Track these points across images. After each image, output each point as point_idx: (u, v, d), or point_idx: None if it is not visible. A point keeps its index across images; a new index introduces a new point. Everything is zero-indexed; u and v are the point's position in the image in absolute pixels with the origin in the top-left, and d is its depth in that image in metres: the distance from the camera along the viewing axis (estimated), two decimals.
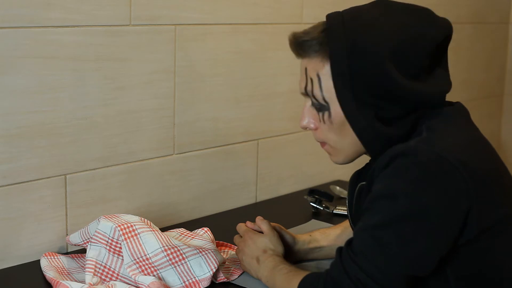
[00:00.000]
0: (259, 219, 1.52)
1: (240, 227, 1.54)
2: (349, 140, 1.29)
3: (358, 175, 1.39)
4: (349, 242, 1.22)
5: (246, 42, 1.96)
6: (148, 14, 1.71)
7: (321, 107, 1.30)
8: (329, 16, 1.30)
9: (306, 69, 1.31)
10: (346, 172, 2.37)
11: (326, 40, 1.26)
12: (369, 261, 1.16)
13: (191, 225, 1.83)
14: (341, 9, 2.23)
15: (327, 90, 1.27)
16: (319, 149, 2.35)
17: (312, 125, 1.33)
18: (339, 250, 1.23)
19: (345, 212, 1.94)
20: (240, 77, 1.96)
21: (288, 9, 2.06)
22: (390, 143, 1.23)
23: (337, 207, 1.96)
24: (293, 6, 2.08)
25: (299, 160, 2.20)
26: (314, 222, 1.88)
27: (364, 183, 1.31)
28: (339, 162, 1.35)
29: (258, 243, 1.47)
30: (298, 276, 1.31)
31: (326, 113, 1.29)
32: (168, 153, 1.82)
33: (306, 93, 1.33)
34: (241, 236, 1.52)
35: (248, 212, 1.99)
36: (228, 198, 1.99)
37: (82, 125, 1.62)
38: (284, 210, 2.03)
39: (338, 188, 2.15)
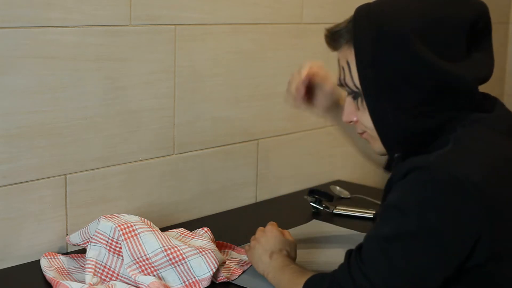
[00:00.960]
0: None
1: (269, 223, 1.55)
2: None
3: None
4: (359, 247, 1.21)
5: (246, 42, 1.96)
6: (148, 14, 1.71)
7: (355, 95, 1.28)
8: (357, 8, 1.29)
9: (338, 60, 1.31)
10: (346, 172, 2.37)
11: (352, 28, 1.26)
12: (374, 271, 1.16)
13: (191, 225, 1.83)
14: (341, 9, 2.22)
15: (357, 76, 1.25)
16: (319, 149, 2.36)
17: (354, 118, 1.31)
18: (349, 253, 1.23)
19: (345, 212, 1.94)
20: (240, 77, 1.96)
21: (288, 9, 2.06)
22: (410, 139, 1.21)
23: (337, 207, 1.96)
24: (293, 6, 2.08)
25: (299, 160, 2.20)
26: (314, 222, 1.88)
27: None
28: (377, 151, 1.32)
29: (279, 240, 1.47)
30: (305, 275, 1.31)
31: (359, 99, 1.27)
32: (168, 153, 1.82)
33: (340, 83, 1.32)
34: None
35: (248, 212, 1.99)
36: (228, 198, 1.99)
37: (82, 125, 1.62)
38: (284, 210, 2.03)
39: (338, 188, 2.15)
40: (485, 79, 1.23)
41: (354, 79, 1.26)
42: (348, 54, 1.26)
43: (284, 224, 1.85)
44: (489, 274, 1.17)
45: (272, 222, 1.56)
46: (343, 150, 2.36)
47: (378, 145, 1.29)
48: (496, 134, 1.21)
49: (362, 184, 2.31)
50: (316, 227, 1.84)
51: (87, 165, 1.64)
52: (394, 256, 1.15)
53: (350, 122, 1.33)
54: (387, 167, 1.63)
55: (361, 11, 1.25)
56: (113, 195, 1.71)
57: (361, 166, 2.47)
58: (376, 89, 1.21)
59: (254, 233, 1.77)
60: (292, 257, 1.46)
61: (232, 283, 1.48)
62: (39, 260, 1.54)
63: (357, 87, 1.26)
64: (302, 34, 2.12)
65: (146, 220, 1.49)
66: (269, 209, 2.03)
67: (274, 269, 1.41)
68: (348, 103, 1.31)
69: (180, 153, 1.84)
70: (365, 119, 1.27)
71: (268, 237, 1.48)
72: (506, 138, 1.21)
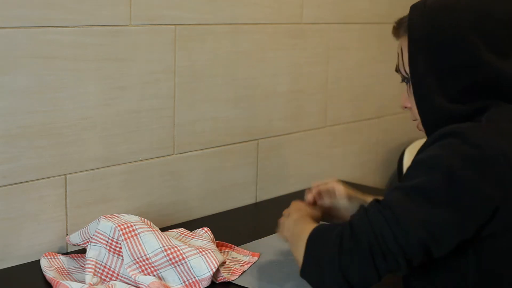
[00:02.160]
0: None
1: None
2: None
3: None
4: (378, 200, 1.22)
5: (246, 42, 1.96)
6: (148, 14, 1.71)
7: (406, 80, 1.33)
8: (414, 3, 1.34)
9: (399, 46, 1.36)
10: (346, 172, 2.37)
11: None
12: (395, 217, 1.15)
13: (191, 225, 1.83)
14: (341, 9, 2.22)
15: (407, 62, 1.30)
16: (319, 149, 2.36)
17: (408, 104, 1.35)
18: (363, 205, 1.24)
19: None
20: (240, 77, 1.96)
21: (288, 9, 2.06)
22: (447, 122, 1.23)
23: None
24: (293, 6, 2.08)
25: (299, 160, 2.20)
26: None
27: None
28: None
29: (299, 205, 1.52)
30: (315, 225, 1.32)
31: (409, 85, 1.32)
32: (168, 153, 1.82)
33: (396, 70, 1.36)
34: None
35: (248, 212, 2.00)
36: (228, 198, 1.99)
37: (82, 125, 1.62)
38: (284, 210, 2.02)
39: None
40: None
41: (405, 65, 1.31)
42: (403, 42, 1.32)
43: None
44: (503, 249, 1.18)
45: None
46: (343, 150, 2.36)
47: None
48: None
49: (362, 184, 2.31)
50: None
51: (87, 165, 1.64)
52: (418, 205, 1.15)
53: (405, 107, 1.37)
54: None
55: (417, 4, 1.31)
56: (113, 195, 1.71)
57: (361, 166, 2.47)
58: (423, 73, 1.26)
59: (254, 233, 1.78)
60: (314, 218, 1.46)
61: (232, 283, 1.48)
62: (39, 260, 1.54)
63: (407, 73, 1.31)
64: (302, 34, 2.12)
65: (146, 220, 1.49)
66: (269, 209, 2.03)
67: (290, 224, 1.42)
68: (404, 90, 1.36)
69: (180, 153, 1.84)
70: (414, 105, 1.31)
71: (291, 205, 1.53)
72: None
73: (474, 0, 1.26)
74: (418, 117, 1.30)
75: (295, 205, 1.53)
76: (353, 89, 2.35)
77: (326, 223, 1.39)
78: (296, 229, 1.37)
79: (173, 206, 1.85)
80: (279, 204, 2.06)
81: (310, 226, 1.31)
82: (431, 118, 1.27)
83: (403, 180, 1.21)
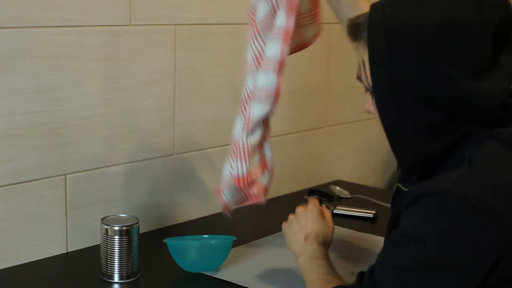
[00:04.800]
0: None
1: (312, 200, 1.52)
2: None
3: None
4: (371, 272, 1.18)
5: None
6: (148, 14, 1.71)
7: (370, 92, 1.22)
8: (372, 5, 1.21)
9: (356, 52, 1.26)
10: (346, 172, 2.37)
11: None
12: None
13: (191, 225, 1.83)
14: None
15: (370, 78, 1.20)
16: (319, 149, 2.36)
17: (372, 110, 1.24)
18: (360, 276, 1.20)
19: (345, 212, 1.94)
20: (240, 77, 1.96)
21: None
22: (425, 159, 1.16)
23: (337, 207, 1.96)
24: None
25: (299, 160, 2.20)
26: None
27: (399, 185, 1.30)
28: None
29: (317, 224, 1.45)
30: (329, 283, 1.29)
31: (374, 99, 1.21)
32: (168, 153, 1.82)
33: (358, 77, 1.28)
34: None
35: (248, 212, 1.99)
36: None
37: (82, 125, 1.62)
38: (284, 210, 2.02)
39: (338, 188, 2.15)
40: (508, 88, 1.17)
41: (368, 79, 1.21)
42: (364, 53, 1.21)
43: None
44: None
45: (314, 199, 1.54)
46: (343, 150, 2.36)
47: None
48: (509, 151, 1.16)
49: (362, 184, 2.31)
50: None
51: (87, 165, 1.64)
52: (412, 286, 1.11)
53: (369, 113, 1.28)
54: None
55: (376, 12, 1.18)
56: (113, 195, 1.71)
57: (361, 166, 2.47)
58: (389, 106, 1.16)
59: (254, 233, 1.78)
60: (327, 244, 1.44)
61: (232, 283, 1.48)
62: (39, 260, 1.54)
63: (370, 86, 1.21)
64: None
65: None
66: (269, 209, 2.03)
67: (305, 257, 1.40)
68: (367, 97, 1.26)
69: (180, 153, 1.84)
70: (380, 120, 1.21)
71: (308, 218, 1.46)
72: None
73: (437, 10, 1.12)
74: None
75: (310, 218, 1.46)
76: (353, 89, 2.35)
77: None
78: (310, 276, 1.36)
79: (173, 206, 1.85)
80: (279, 204, 2.07)
81: (325, 285, 1.30)
82: (406, 157, 1.19)
83: (392, 251, 1.15)
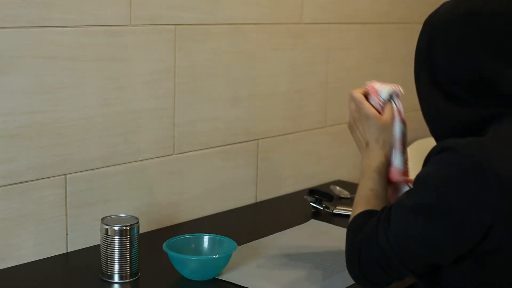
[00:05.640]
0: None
1: (356, 96, 1.53)
2: None
3: None
4: (390, 208, 1.27)
5: (246, 42, 1.96)
6: (148, 14, 1.71)
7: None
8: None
9: None
10: (346, 172, 2.37)
11: None
12: (396, 236, 1.23)
13: (191, 225, 1.83)
14: (341, 9, 2.22)
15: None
16: (319, 149, 2.36)
17: None
18: (382, 210, 1.30)
19: (345, 212, 1.94)
20: (240, 77, 1.96)
21: (288, 9, 2.06)
22: (454, 128, 1.24)
23: (337, 207, 1.96)
24: (293, 6, 2.08)
25: (299, 160, 2.20)
26: (313, 222, 1.88)
27: None
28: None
29: (376, 130, 1.47)
30: (367, 203, 1.40)
31: None
32: (168, 153, 1.82)
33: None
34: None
35: (248, 212, 2.00)
36: (228, 198, 1.99)
37: (82, 125, 1.62)
38: (284, 210, 2.03)
39: (338, 188, 2.15)
40: None
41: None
42: None
43: (284, 224, 1.85)
44: (499, 261, 1.18)
45: (360, 95, 1.52)
46: (343, 150, 2.36)
47: None
48: None
49: None
50: (316, 227, 1.84)
51: (87, 165, 1.64)
52: (413, 226, 1.20)
53: None
54: None
55: (435, 11, 1.32)
56: (113, 195, 1.71)
57: (361, 166, 2.47)
58: (426, 81, 1.28)
59: (254, 233, 1.78)
60: (386, 147, 1.47)
61: (232, 283, 1.48)
62: (39, 260, 1.54)
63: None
64: (302, 34, 2.12)
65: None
66: (269, 209, 2.03)
67: (362, 165, 1.48)
68: None
69: (180, 153, 1.84)
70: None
71: (365, 126, 1.48)
72: None
73: (479, 14, 1.22)
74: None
75: (368, 125, 1.49)
76: (353, 89, 2.35)
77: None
78: (359, 186, 1.45)
79: (173, 206, 1.85)
80: (279, 204, 2.07)
81: (359, 205, 1.41)
82: (436, 123, 1.29)
83: (408, 192, 1.25)
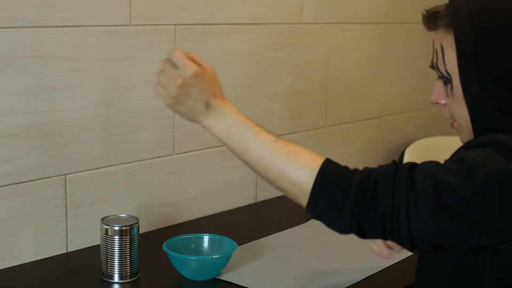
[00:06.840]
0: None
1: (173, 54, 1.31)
2: None
3: None
4: (411, 167, 1.17)
5: (246, 42, 1.96)
6: (148, 14, 1.71)
7: (445, 80, 1.25)
8: None
9: (433, 41, 1.28)
10: None
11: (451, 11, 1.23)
12: (416, 204, 1.12)
13: (191, 225, 1.83)
14: (341, 9, 2.21)
15: (449, 61, 1.23)
16: (319, 149, 2.35)
17: (442, 101, 1.27)
18: (394, 165, 1.19)
19: None
20: (240, 77, 1.96)
21: (288, 9, 2.06)
22: (498, 130, 1.19)
23: None
24: (293, 6, 2.08)
25: None
26: (313, 222, 1.88)
27: None
28: (464, 141, 1.28)
29: (208, 84, 1.31)
30: (303, 153, 1.32)
31: (449, 86, 1.24)
32: (168, 153, 1.82)
33: (432, 66, 1.29)
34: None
35: (248, 212, 2.00)
36: (228, 198, 1.99)
37: (82, 125, 1.62)
38: (284, 210, 2.03)
39: None
40: None
41: (446, 64, 1.24)
42: (443, 38, 1.24)
43: (284, 224, 1.85)
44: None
45: (178, 52, 1.32)
46: (343, 150, 2.36)
47: (464, 135, 1.27)
48: None
49: None
50: (316, 227, 1.84)
51: (87, 165, 1.64)
52: (443, 203, 1.11)
53: (437, 104, 1.29)
54: None
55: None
56: (113, 195, 1.71)
57: (361, 166, 2.47)
58: (475, 78, 1.19)
59: (254, 233, 1.78)
60: (223, 96, 1.32)
61: (232, 283, 1.48)
62: (39, 260, 1.54)
63: (448, 73, 1.24)
64: (302, 34, 2.12)
65: None
66: (269, 209, 2.03)
67: (219, 125, 1.35)
68: (438, 85, 1.28)
69: (180, 153, 1.84)
70: (456, 108, 1.24)
71: (197, 86, 1.29)
72: None
73: None
74: (455, 115, 1.26)
75: (202, 83, 1.30)
76: (353, 89, 2.35)
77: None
78: (256, 149, 1.32)
79: (173, 206, 1.85)
80: (279, 204, 2.07)
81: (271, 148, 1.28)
82: (482, 124, 1.21)
83: (443, 166, 1.16)
